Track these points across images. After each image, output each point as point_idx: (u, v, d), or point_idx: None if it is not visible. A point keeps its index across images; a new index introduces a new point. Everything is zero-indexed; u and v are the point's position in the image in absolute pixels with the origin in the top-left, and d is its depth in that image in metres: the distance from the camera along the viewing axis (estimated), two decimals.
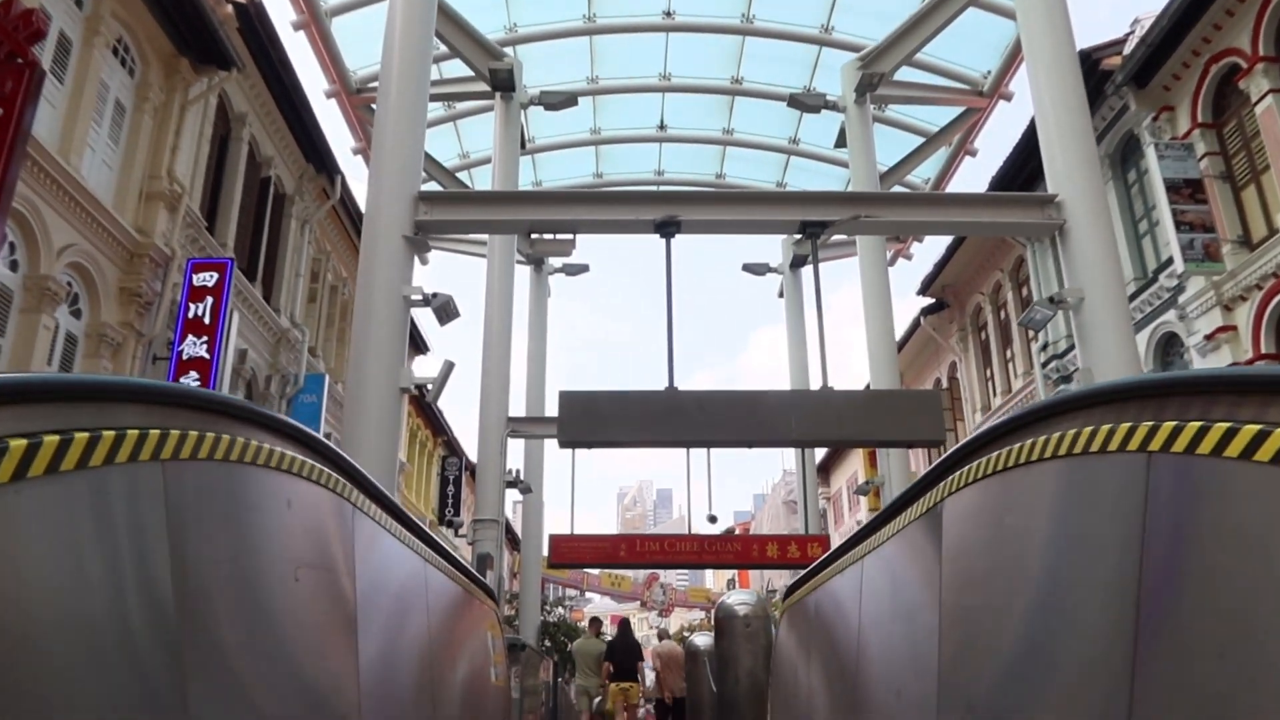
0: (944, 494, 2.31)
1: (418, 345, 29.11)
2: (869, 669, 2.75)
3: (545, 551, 16.28)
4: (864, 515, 31.21)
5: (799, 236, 13.28)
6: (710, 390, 9.59)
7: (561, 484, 38.32)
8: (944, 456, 2.47)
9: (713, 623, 9.40)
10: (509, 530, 36.47)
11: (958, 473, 2.24)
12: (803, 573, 4.23)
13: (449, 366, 7.86)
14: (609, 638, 14.52)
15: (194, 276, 13.74)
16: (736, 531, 57.31)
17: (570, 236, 8.64)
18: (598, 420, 7.75)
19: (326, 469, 2.26)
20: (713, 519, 15.15)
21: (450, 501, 26.85)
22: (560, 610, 32.09)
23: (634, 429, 7.82)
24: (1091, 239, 7.62)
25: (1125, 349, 7.49)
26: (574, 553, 13.83)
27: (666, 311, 8.26)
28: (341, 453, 2.44)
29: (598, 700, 13.63)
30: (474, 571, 4.01)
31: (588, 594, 50.76)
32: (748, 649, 8.00)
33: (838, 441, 8.93)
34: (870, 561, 2.80)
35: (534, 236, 8.77)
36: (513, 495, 16.09)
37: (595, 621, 17.71)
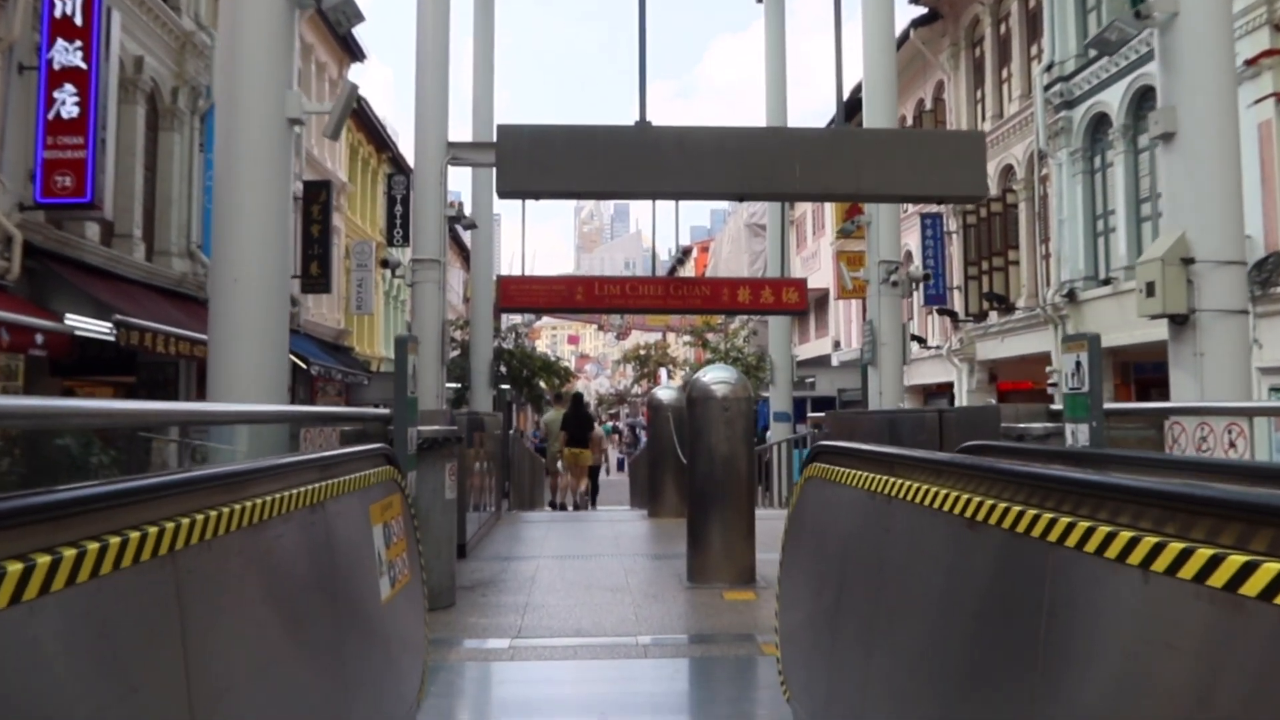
0: None
1: (352, 52, 26.27)
2: None
3: (495, 283, 14.91)
4: (830, 242, 30.08)
5: None
6: (693, 126, 7.68)
7: (513, 209, 36.53)
8: None
9: (685, 396, 8.28)
10: (464, 252, 35.00)
11: None
12: (849, 445, 2.82)
13: (351, 91, 6.04)
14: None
15: None
16: (694, 253, 56.41)
17: None
18: (549, 164, 6.09)
19: None
20: (680, 259, 13.80)
21: (399, 222, 25.16)
22: (515, 334, 31.27)
23: (595, 175, 6.20)
24: None
25: (1223, 81, 5.87)
26: (525, 296, 12.49)
27: (638, 22, 6.38)
28: None
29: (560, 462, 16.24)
30: (349, 451, 2.58)
31: (543, 317, 50.39)
32: (725, 434, 6.87)
33: (854, 195, 7.44)
34: (1087, 573, 1.40)
35: None
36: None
37: (559, 397, 21.95)
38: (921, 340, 24.54)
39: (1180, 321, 5.99)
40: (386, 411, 5.68)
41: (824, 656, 2.60)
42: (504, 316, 33.24)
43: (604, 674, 4.67)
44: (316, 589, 2.06)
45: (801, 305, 12.82)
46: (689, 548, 7.03)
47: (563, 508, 16.11)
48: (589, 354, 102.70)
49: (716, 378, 7.01)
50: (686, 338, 36.90)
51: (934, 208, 22.49)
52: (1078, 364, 5.96)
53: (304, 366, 18.47)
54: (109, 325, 11.11)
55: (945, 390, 25.70)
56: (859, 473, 2.55)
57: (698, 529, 6.96)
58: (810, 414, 19.67)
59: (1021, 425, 6.59)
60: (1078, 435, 5.92)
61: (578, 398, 16.95)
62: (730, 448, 6.90)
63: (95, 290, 11.86)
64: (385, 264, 12.40)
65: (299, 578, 1.96)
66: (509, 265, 55.07)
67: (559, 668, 4.74)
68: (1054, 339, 18.25)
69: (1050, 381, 18.41)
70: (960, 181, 6.15)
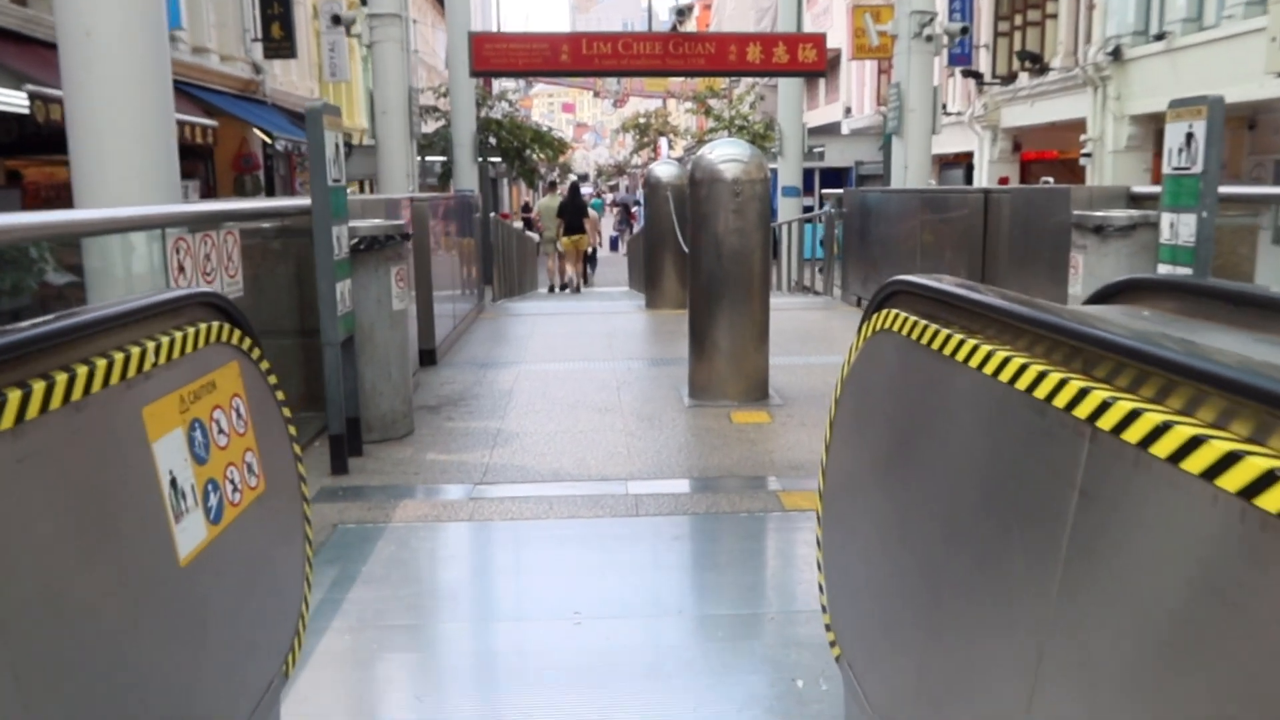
0: None
1: None
2: None
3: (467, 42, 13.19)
4: None
5: None
6: None
7: None
8: None
9: (687, 178, 7.12)
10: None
11: None
12: (962, 290, 1.56)
13: None
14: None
15: None
16: (696, 11, 52.65)
17: None
18: None
19: None
20: (681, 16, 12.12)
21: None
22: (505, 104, 29.18)
23: None
24: None
25: None
26: (502, 57, 10.91)
27: None
28: None
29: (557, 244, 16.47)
30: (94, 317, 1.41)
31: (535, 84, 47.59)
32: (735, 225, 5.69)
33: None
34: None
35: None
36: None
37: (553, 185, 22.50)
38: (943, 106, 22.76)
39: None
40: (307, 203, 4.48)
41: (906, 627, 1.57)
42: (494, 83, 30.90)
43: (583, 539, 3.73)
44: None
45: (820, 65, 11.27)
46: (691, 357, 6.02)
47: (562, 289, 16.56)
48: (586, 123, 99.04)
49: (725, 154, 5.74)
50: (688, 105, 34.65)
51: None
52: (1189, 136, 4.68)
53: (269, 141, 16.97)
54: (23, 95, 9.66)
55: (963, 160, 24.12)
56: (992, 349, 1.42)
57: (701, 335, 5.91)
58: (822, 189, 18.27)
59: (1099, 214, 5.37)
60: (1178, 228, 4.75)
61: (574, 187, 18.11)
62: (741, 240, 5.74)
63: (6, 57, 10.31)
64: (337, 20, 10.73)
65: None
66: (497, 26, 51.55)
67: (526, 531, 3.79)
68: (1091, 103, 16.63)
69: (1084, 151, 16.95)
70: None
